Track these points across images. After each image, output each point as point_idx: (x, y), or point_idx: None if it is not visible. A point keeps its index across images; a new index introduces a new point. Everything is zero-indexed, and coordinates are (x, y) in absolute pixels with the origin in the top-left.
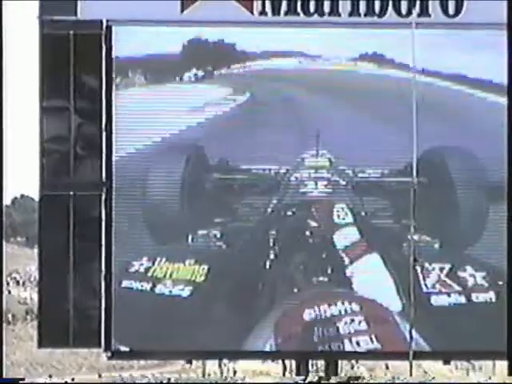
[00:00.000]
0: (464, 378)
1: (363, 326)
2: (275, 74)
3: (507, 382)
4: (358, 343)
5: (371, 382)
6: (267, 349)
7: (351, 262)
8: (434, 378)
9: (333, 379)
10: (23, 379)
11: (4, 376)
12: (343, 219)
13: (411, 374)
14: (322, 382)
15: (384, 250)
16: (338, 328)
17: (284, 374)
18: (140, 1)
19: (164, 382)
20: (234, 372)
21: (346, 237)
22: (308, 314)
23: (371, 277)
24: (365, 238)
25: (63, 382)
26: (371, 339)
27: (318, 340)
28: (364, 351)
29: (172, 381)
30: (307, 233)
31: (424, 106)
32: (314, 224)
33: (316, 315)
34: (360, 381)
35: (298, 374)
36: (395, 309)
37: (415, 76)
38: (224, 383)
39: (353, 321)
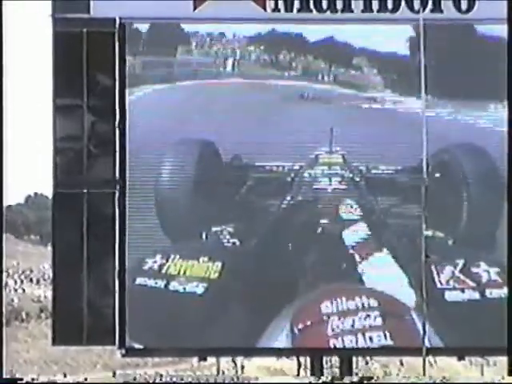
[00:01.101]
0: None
1: (378, 321)
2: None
3: (507, 381)
4: (371, 339)
5: (384, 382)
6: (282, 346)
7: (363, 259)
8: (444, 377)
9: (346, 379)
10: (21, 379)
11: (18, 375)
12: (356, 216)
13: (424, 370)
14: (336, 381)
15: (397, 246)
16: (353, 322)
17: (298, 371)
18: None
19: (170, 382)
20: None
21: (357, 233)
22: (325, 308)
23: (383, 273)
24: (377, 234)
25: (62, 382)
26: (385, 335)
27: (334, 335)
28: (378, 347)
29: (184, 379)
30: (320, 229)
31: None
32: (326, 220)
33: (332, 310)
34: (373, 381)
35: (312, 370)
36: (410, 305)
37: (425, 71)
38: (236, 383)
39: (368, 316)
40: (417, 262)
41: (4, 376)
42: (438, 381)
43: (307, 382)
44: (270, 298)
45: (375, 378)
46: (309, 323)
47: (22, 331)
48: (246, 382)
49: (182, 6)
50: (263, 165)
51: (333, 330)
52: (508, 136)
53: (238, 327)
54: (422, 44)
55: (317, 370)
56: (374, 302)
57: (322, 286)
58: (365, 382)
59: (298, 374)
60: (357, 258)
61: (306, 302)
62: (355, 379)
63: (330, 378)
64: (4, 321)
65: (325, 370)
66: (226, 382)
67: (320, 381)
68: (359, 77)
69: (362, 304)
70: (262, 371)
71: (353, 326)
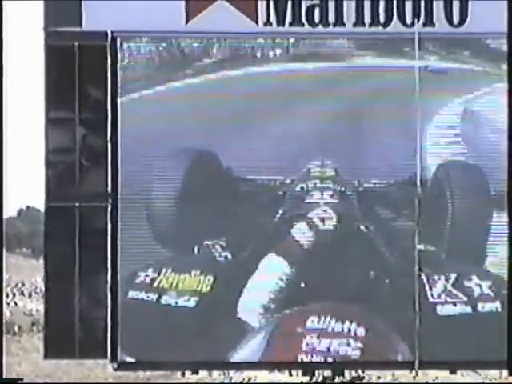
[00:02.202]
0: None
1: (356, 353)
2: (280, 83)
3: (507, 382)
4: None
5: (375, 382)
6: (273, 359)
7: (356, 273)
8: (437, 377)
9: (337, 380)
10: (22, 379)
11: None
12: (348, 229)
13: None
14: (327, 382)
15: (389, 259)
16: (330, 346)
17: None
18: (145, 12)
19: None
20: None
21: (349, 247)
22: (311, 324)
23: (375, 288)
24: (370, 248)
25: (63, 382)
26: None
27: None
28: (370, 361)
29: None
30: (313, 243)
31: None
32: (319, 234)
33: (319, 328)
34: (364, 381)
35: (304, 374)
36: (400, 319)
37: (419, 84)
38: (229, 383)
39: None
40: (409, 276)
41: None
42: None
43: (299, 382)
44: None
45: (367, 378)
46: (293, 339)
47: (14, 344)
48: (238, 382)
49: (174, 20)
50: (255, 178)
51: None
52: (508, 144)
53: (230, 340)
54: (417, 57)
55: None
56: (360, 331)
57: (311, 303)
58: (356, 382)
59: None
60: (350, 272)
61: (291, 318)
62: (346, 380)
63: (321, 378)
64: None
65: (316, 373)
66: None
67: (312, 381)
68: None
69: (348, 329)
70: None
71: (328, 349)
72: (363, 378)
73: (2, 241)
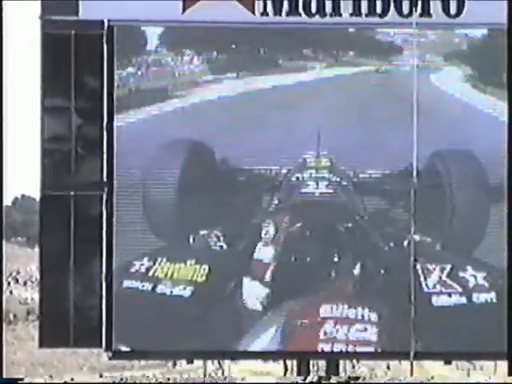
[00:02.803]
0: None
1: (373, 337)
2: (275, 74)
3: (507, 382)
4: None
5: (371, 382)
6: (269, 349)
7: (353, 263)
8: (433, 377)
9: (333, 379)
10: (22, 379)
11: (4, 376)
12: (343, 219)
13: (412, 375)
14: (323, 381)
15: (384, 250)
16: (348, 332)
17: (285, 374)
18: (141, 1)
19: (163, 382)
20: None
21: (344, 237)
22: (323, 312)
23: (372, 278)
24: (365, 238)
25: (63, 382)
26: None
27: (323, 340)
28: (365, 352)
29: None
30: (308, 232)
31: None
32: (315, 223)
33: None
34: (360, 381)
35: (298, 374)
36: (397, 309)
37: (416, 75)
38: (223, 383)
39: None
40: (404, 267)
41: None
42: (425, 381)
43: (294, 382)
44: (256, 301)
45: (362, 377)
46: (301, 326)
47: (10, 333)
48: (232, 382)
49: (170, 9)
50: (251, 168)
51: (325, 334)
52: (508, 139)
53: (225, 330)
54: (415, 48)
55: (303, 373)
56: (374, 317)
57: (318, 290)
58: (351, 382)
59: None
60: (347, 261)
61: (302, 306)
62: (342, 379)
63: (316, 377)
64: None
65: (311, 374)
66: (214, 382)
67: (307, 380)
68: None
69: (362, 315)
70: (248, 374)
71: (346, 336)
72: (358, 378)
73: (1, 230)
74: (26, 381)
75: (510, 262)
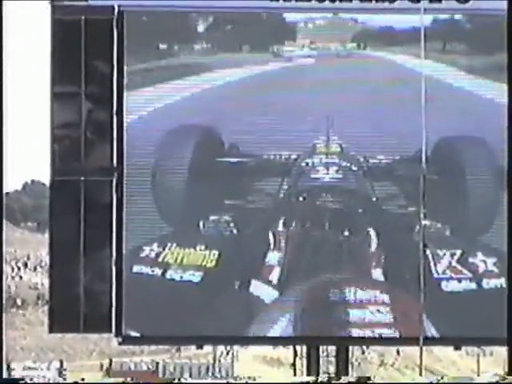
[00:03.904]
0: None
1: (389, 318)
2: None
3: (507, 381)
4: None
5: (381, 382)
6: (279, 334)
7: (360, 247)
8: (442, 377)
9: (343, 379)
10: (23, 379)
11: (14, 361)
12: (354, 204)
13: (421, 360)
14: (333, 382)
15: (395, 235)
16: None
17: (294, 361)
18: None
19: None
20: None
21: (356, 222)
22: (324, 297)
23: (382, 262)
24: (375, 224)
25: (63, 382)
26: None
27: (332, 323)
28: (375, 336)
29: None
30: (318, 217)
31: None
32: (324, 209)
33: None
34: (370, 381)
35: (308, 359)
36: (408, 294)
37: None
38: (231, 383)
39: (379, 311)
40: (414, 252)
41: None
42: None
43: (305, 381)
44: (266, 286)
45: (372, 378)
46: (314, 311)
47: (19, 318)
48: (243, 381)
49: None
50: (261, 154)
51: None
52: (508, 130)
53: (235, 315)
54: (423, 33)
55: (313, 359)
56: (386, 298)
57: (325, 276)
58: (362, 381)
59: (294, 363)
60: (355, 245)
61: (311, 291)
62: (352, 379)
63: (326, 378)
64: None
65: (321, 359)
66: (223, 382)
67: (318, 380)
68: None
69: (374, 297)
70: (258, 360)
71: (363, 319)
72: (369, 378)
73: (1, 214)
74: (26, 380)
75: (511, 249)
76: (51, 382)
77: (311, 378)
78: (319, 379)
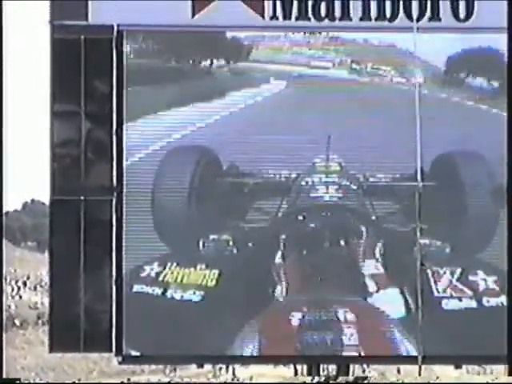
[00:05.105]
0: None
1: (354, 339)
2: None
3: (507, 382)
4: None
5: (379, 382)
6: (279, 353)
7: (360, 266)
8: (438, 377)
9: (340, 379)
10: (19, 379)
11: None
12: (353, 223)
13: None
14: (330, 382)
15: (394, 254)
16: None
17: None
18: (151, 5)
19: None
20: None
21: (353, 240)
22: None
23: (378, 281)
24: (374, 242)
25: (63, 382)
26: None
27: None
28: (374, 355)
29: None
30: (317, 237)
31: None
32: (324, 228)
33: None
34: (367, 381)
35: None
36: (401, 314)
37: (418, 81)
38: (231, 383)
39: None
40: (413, 270)
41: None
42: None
43: (301, 382)
44: (267, 305)
45: (370, 378)
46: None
47: (19, 338)
48: (244, 382)
49: (180, 13)
50: (260, 172)
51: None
52: (507, 141)
53: (235, 335)
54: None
55: (313, 376)
56: (351, 317)
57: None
58: (359, 382)
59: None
60: (355, 265)
61: (273, 312)
62: (350, 379)
63: (324, 378)
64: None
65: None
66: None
67: (315, 380)
68: None
69: (337, 318)
70: (259, 379)
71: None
72: (366, 378)
73: (1, 233)
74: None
75: (511, 266)
76: (51, 382)
77: (309, 378)
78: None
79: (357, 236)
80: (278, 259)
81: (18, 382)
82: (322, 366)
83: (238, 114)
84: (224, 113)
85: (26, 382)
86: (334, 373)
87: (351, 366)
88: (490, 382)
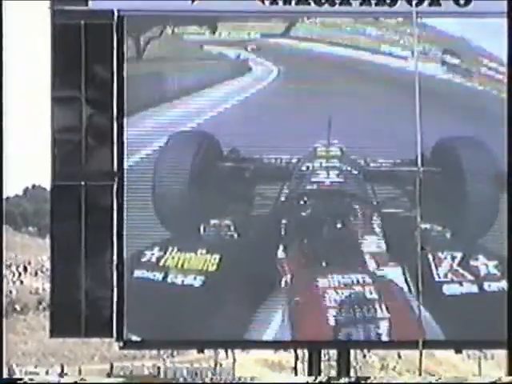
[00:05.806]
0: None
1: (381, 313)
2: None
3: (507, 381)
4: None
5: (382, 382)
6: (280, 338)
7: (363, 249)
8: (440, 378)
9: (342, 379)
10: (22, 379)
11: (15, 365)
12: (354, 207)
13: (421, 363)
14: (332, 381)
15: (395, 239)
16: (355, 313)
17: (296, 364)
18: None
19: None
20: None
21: (356, 224)
22: (325, 300)
23: (383, 264)
24: (376, 227)
25: (63, 382)
26: (389, 328)
27: (334, 326)
28: (375, 340)
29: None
30: (318, 221)
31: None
32: (325, 213)
33: (334, 300)
34: (370, 381)
35: (310, 363)
36: (408, 297)
37: (417, 65)
38: (231, 383)
39: (372, 307)
40: (414, 255)
41: (2, 369)
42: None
43: (304, 381)
44: (267, 290)
45: (372, 377)
46: (308, 315)
47: (20, 323)
48: (244, 382)
49: None
50: (261, 157)
51: (334, 321)
52: (507, 131)
53: (236, 320)
54: (416, 39)
55: (315, 362)
56: (375, 294)
57: (320, 278)
58: (362, 381)
59: (296, 367)
60: (357, 248)
61: (304, 295)
62: (352, 379)
63: (326, 378)
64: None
65: (322, 363)
66: (225, 382)
67: (317, 380)
68: None
69: (364, 294)
70: (260, 364)
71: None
72: (368, 377)
73: (2, 219)
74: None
75: (511, 252)
76: (51, 382)
77: (311, 378)
78: (318, 379)
79: (357, 219)
80: (279, 245)
81: (20, 381)
82: (323, 352)
83: (239, 99)
84: (226, 99)
85: (30, 382)
86: (335, 358)
87: (352, 351)
88: (490, 382)
